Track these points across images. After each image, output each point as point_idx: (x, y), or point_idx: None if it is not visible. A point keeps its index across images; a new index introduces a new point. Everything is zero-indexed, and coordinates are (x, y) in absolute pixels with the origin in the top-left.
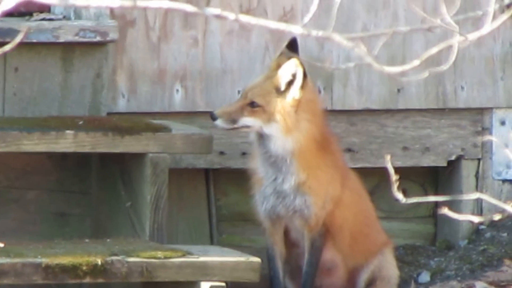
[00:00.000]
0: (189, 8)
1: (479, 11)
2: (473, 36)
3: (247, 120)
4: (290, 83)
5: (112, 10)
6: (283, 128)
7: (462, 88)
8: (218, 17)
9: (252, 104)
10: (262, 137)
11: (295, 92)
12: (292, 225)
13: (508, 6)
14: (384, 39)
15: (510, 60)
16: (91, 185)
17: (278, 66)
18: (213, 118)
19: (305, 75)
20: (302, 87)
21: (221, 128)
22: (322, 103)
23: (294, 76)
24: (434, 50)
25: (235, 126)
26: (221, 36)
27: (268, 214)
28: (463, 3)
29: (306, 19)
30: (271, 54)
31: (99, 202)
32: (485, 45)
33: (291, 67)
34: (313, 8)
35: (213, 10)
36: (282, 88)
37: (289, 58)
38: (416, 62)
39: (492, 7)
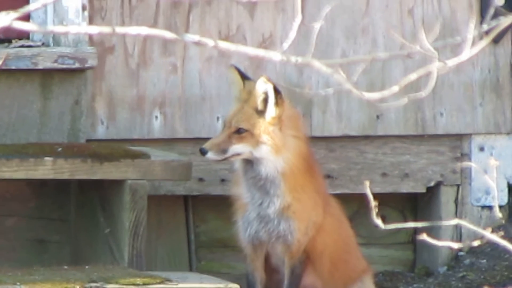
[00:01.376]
0: (168, 34)
1: (458, 37)
2: (452, 62)
3: (236, 147)
4: (265, 102)
5: (91, 37)
6: (273, 149)
7: (441, 114)
8: (197, 43)
9: (239, 131)
10: (250, 162)
11: (271, 109)
12: (273, 251)
13: (487, 33)
14: (363, 65)
15: (489, 86)
16: (70, 212)
17: (250, 92)
18: (203, 152)
19: (277, 92)
20: (277, 103)
21: (213, 160)
22: (302, 119)
23: (266, 94)
24: (413, 77)
25: (226, 156)
26: (200, 62)
27: (251, 240)
28: (442, 30)
29: (286, 45)
30: None
31: (78, 229)
32: (464, 71)
33: (261, 86)
34: (292, 34)
35: (192, 37)
36: (260, 108)
37: (249, 83)
38: (395, 89)
39: (471, 33)
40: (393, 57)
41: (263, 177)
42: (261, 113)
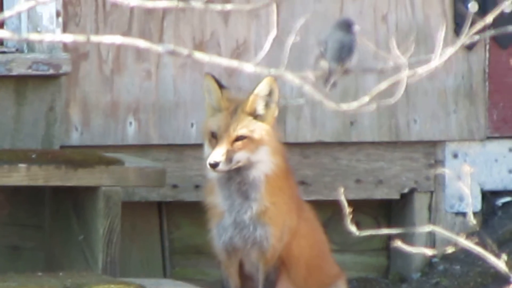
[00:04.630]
0: (143, 44)
1: (431, 55)
2: (422, 70)
3: (238, 155)
4: (267, 103)
5: (65, 43)
6: (272, 149)
7: (415, 121)
8: (171, 53)
9: (239, 139)
10: (237, 167)
11: (274, 109)
12: (248, 258)
13: (468, 48)
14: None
15: (463, 93)
16: (44, 219)
17: (229, 100)
18: (215, 165)
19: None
20: (277, 104)
21: (222, 171)
22: None
23: (269, 95)
24: (384, 85)
25: (231, 165)
26: (174, 68)
27: (226, 246)
28: (415, 36)
29: (259, 57)
30: None
31: (52, 235)
32: (438, 78)
33: (266, 87)
34: (267, 46)
35: (166, 46)
36: (260, 111)
37: (225, 91)
38: (366, 99)
39: (441, 40)
40: (366, 70)
41: (249, 181)
42: (258, 116)
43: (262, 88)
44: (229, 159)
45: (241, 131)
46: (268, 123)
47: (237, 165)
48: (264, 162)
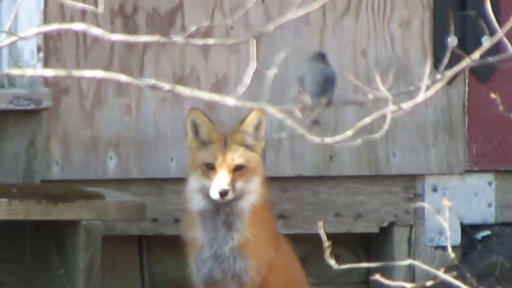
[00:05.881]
0: (124, 78)
1: (411, 87)
2: (406, 105)
3: (238, 184)
4: (257, 135)
5: (46, 78)
6: (261, 181)
7: (395, 154)
8: (152, 87)
9: (238, 168)
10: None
11: (262, 141)
12: None
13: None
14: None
15: (442, 127)
16: (25, 253)
17: (220, 133)
18: (225, 194)
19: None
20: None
21: (229, 200)
22: None
23: (258, 126)
24: (367, 120)
25: (235, 194)
26: (155, 103)
27: (205, 279)
28: (395, 70)
29: (240, 91)
30: None
31: (32, 270)
32: (417, 112)
33: (255, 118)
34: (246, 80)
35: (147, 81)
36: (250, 142)
37: (214, 123)
38: (349, 133)
39: (426, 78)
40: (348, 103)
41: (238, 211)
42: (249, 146)
43: (251, 120)
44: (233, 188)
45: (239, 160)
46: (257, 154)
47: (235, 195)
48: (253, 193)
